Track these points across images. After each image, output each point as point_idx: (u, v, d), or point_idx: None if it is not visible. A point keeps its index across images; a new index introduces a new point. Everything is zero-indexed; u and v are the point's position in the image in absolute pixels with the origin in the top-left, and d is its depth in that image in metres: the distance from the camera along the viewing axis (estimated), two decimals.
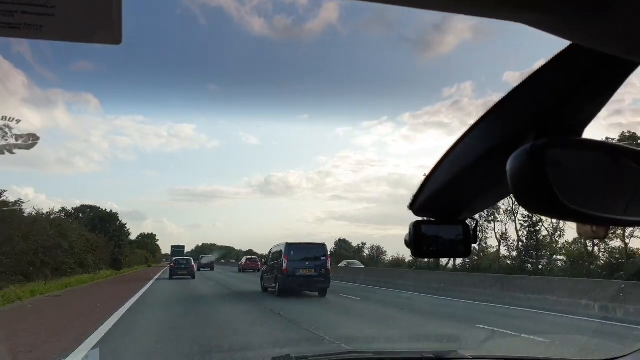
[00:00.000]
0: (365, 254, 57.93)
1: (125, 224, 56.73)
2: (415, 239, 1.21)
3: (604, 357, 2.02)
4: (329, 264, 17.22)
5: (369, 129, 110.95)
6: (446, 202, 1.20)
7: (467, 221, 1.24)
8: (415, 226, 1.21)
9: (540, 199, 0.76)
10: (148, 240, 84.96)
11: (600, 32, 0.58)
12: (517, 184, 0.77)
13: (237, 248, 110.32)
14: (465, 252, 1.24)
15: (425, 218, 1.23)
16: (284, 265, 16.56)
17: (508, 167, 0.78)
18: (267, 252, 21.08)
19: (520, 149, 0.78)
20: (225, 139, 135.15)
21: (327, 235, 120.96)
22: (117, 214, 53.63)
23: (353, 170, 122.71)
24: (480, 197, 1.17)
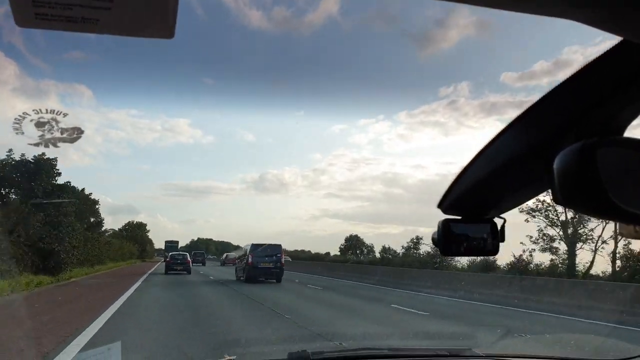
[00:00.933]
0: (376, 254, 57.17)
1: (89, 195, 38.22)
2: (444, 237, 1.20)
3: (620, 357, 2.04)
4: (282, 260, 23.84)
5: (365, 127, 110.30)
6: (475, 200, 1.19)
7: (494, 219, 1.24)
8: (444, 224, 1.20)
9: (590, 198, 0.75)
10: (137, 231, 73.51)
11: None
12: (565, 182, 0.76)
13: (234, 243, 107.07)
14: (493, 251, 1.24)
15: (452, 217, 1.23)
16: (250, 259, 22.93)
17: (556, 165, 0.77)
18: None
19: (569, 147, 0.77)
20: (221, 134, 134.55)
21: (321, 232, 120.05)
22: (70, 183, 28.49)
23: (348, 169, 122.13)
24: (510, 197, 1.17)
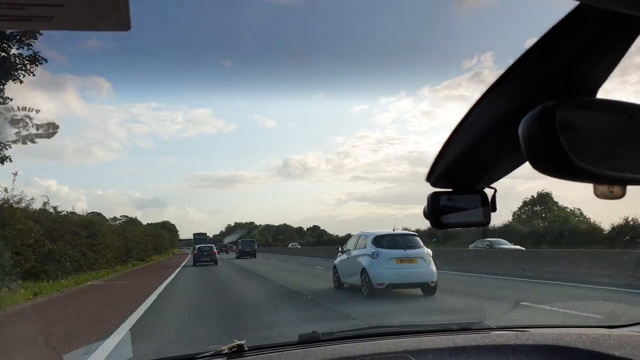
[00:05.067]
0: None
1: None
2: (434, 210, 1.20)
3: (631, 322, 2.01)
4: (255, 246, 48.48)
5: (386, 105, 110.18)
6: (463, 171, 1.19)
7: (485, 190, 1.23)
8: (433, 197, 1.20)
9: (553, 161, 0.76)
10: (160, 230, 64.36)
11: None
12: (529, 147, 0.78)
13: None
14: (485, 221, 1.23)
15: (441, 189, 1.22)
16: (240, 247, 48.94)
17: (520, 130, 0.78)
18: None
19: (531, 111, 0.78)
20: (242, 122, 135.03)
21: (349, 215, 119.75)
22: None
23: (372, 150, 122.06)
24: (497, 165, 1.16)
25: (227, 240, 62.43)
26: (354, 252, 12.94)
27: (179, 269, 28.76)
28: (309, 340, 2.08)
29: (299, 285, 15.65)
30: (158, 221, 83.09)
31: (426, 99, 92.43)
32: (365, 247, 12.44)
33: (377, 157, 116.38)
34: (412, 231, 14.56)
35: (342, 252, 14.03)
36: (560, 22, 0.83)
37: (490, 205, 1.23)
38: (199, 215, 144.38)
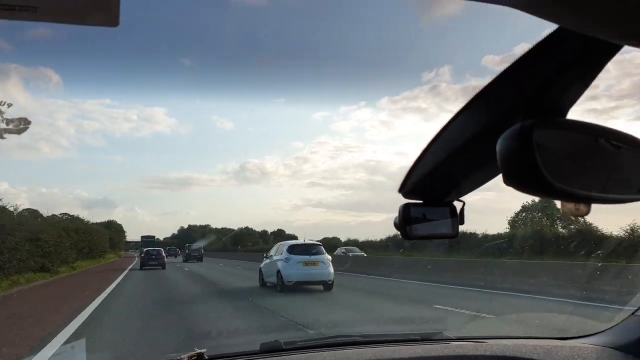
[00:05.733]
0: None
1: None
2: (404, 221, 1.22)
3: (582, 334, 2.08)
4: (202, 251, 50.78)
5: (347, 113, 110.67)
6: (435, 184, 1.22)
7: (454, 203, 1.26)
8: (404, 208, 1.23)
9: (528, 178, 0.79)
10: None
11: (586, 15, 0.59)
12: (506, 163, 0.80)
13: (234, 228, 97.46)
14: (453, 233, 1.26)
15: (414, 201, 1.25)
16: (186, 251, 51.00)
17: (498, 147, 0.81)
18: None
19: (509, 129, 0.80)
20: (199, 123, 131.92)
21: (304, 222, 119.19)
22: None
23: (331, 157, 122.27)
24: (468, 179, 1.20)
25: (186, 243, 60.81)
26: (275, 258, 16.36)
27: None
28: (271, 350, 2.07)
29: (233, 284, 19.01)
30: (103, 220, 76.91)
31: (385, 110, 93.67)
32: (282, 254, 15.98)
33: (335, 164, 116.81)
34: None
35: (267, 257, 17.38)
36: (538, 43, 0.86)
37: (459, 218, 1.26)
38: (150, 218, 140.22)
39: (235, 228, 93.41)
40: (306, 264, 15.43)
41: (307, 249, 16.18)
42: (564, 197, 0.87)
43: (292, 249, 15.93)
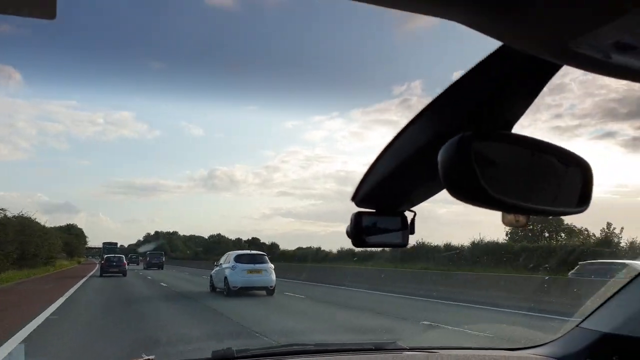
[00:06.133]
0: None
1: None
2: (356, 229, 1.23)
3: (530, 344, 2.13)
4: (163, 259, 50.65)
5: (319, 123, 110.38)
6: (386, 193, 1.23)
7: (405, 213, 1.27)
8: (356, 217, 1.23)
9: (467, 189, 0.81)
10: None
11: (525, 34, 0.61)
12: (446, 173, 0.82)
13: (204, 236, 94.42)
14: (403, 243, 1.27)
15: (365, 210, 1.25)
16: (147, 259, 51.70)
17: (439, 157, 0.82)
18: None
19: (450, 140, 0.82)
20: (167, 128, 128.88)
21: (273, 231, 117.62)
22: None
23: (301, 166, 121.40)
24: (419, 190, 1.21)
25: (143, 249, 59.24)
26: (224, 266, 17.96)
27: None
28: (223, 357, 2.04)
29: (187, 290, 20.71)
30: (63, 224, 74.22)
31: (357, 121, 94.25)
32: (229, 262, 17.58)
33: (306, 173, 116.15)
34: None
35: (217, 265, 19.03)
36: (484, 60, 0.88)
37: (410, 228, 1.27)
38: (114, 224, 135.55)
39: (204, 236, 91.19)
40: (250, 271, 17.14)
41: (252, 258, 17.81)
42: (503, 208, 0.88)
43: (239, 258, 17.59)
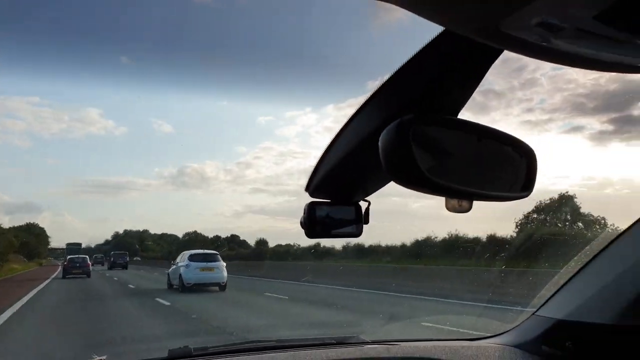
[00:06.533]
0: None
1: None
2: (310, 220, 1.22)
3: (488, 335, 2.17)
4: (126, 259, 50.23)
5: (292, 119, 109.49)
6: (339, 183, 1.22)
7: (360, 202, 1.26)
8: (310, 207, 1.22)
9: (406, 172, 0.81)
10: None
11: (458, 16, 0.60)
12: (386, 158, 0.81)
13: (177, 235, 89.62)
14: (357, 233, 1.26)
15: (319, 200, 1.24)
16: (111, 259, 49.73)
17: (379, 142, 0.82)
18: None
19: (390, 125, 0.82)
20: (136, 125, 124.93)
21: (247, 228, 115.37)
22: None
23: (275, 162, 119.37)
24: (371, 179, 1.20)
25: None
26: (179, 264, 19.15)
27: None
28: (180, 356, 1.99)
29: (146, 287, 21.94)
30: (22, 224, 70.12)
31: (330, 116, 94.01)
32: (184, 261, 18.80)
33: (280, 169, 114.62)
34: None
35: (173, 264, 20.26)
36: (426, 45, 0.87)
37: (364, 218, 1.26)
38: (81, 224, 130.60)
39: (177, 234, 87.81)
40: (203, 269, 18.41)
41: (205, 257, 19.14)
42: (444, 193, 0.88)
43: (193, 257, 18.84)
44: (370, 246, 32.29)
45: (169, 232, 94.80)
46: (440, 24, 0.65)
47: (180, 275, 18.35)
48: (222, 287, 18.54)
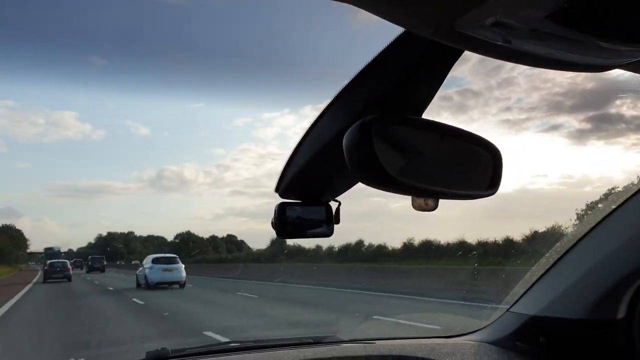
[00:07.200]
0: None
1: None
2: (280, 221, 1.22)
3: (464, 332, 2.20)
4: (104, 262, 50.48)
5: (270, 120, 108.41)
6: (308, 184, 1.21)
7: (330, 203, 1.26)
8: (280, 208, 1.22)
9: (370, 172, 0.81)
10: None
11: (415, 16, 0.61)
12: (350, 157, 0.82)
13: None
14: (328, 233, 1.27)
15: (289, 200, 1.24)
16: (89, 263, 50.05)
17: (343, 142, 0.82)
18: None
19: (353, 125, 0.82)
20: (112, 128, 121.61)
21: (227, 231, 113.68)
22: None
23: (254, 164, 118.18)
24: (339, 179, 1.20)
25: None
26: (145, 266, 22.51)
27: None
28: (157, 358, 1.96)
29: (118, 286, 24.46)
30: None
31: (308, 117, 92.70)
32: (149, 263, 22.21)
33: (259, 171, 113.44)
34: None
35: (141, 266, 23.24)
36: (389, 45, 0.87)
37: (334, 218, 1.26)
38: (61, 228, 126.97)
39: (163, 236, 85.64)
40: (164, 270, 21.74)
41: (166, 260, 22.72)
42: (409, 191, 0.88)
43: (156, 260, 22.34)
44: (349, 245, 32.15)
45: (155, 234, 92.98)
46: (398, 24, 0.66)
47: (145, 275, 21.58)
48: (182, 285, 21.63)
